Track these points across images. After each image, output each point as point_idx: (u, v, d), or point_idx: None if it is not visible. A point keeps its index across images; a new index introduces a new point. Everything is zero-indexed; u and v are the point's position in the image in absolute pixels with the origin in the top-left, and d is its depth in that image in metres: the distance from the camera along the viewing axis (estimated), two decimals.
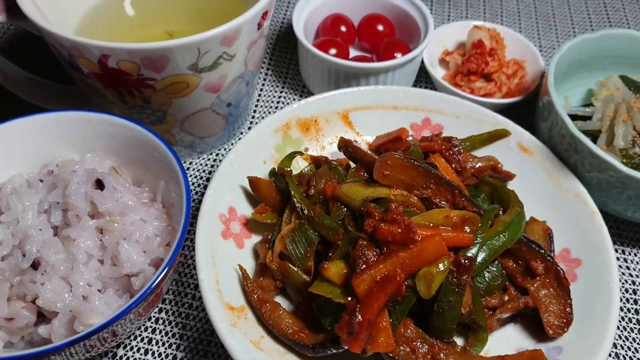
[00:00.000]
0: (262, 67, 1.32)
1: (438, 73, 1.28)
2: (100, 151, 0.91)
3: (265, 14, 0.93)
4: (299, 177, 0.96)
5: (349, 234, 0.83)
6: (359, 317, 0.75)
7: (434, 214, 0.83)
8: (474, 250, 0.81)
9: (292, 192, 0.90)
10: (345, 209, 0.87)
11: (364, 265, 0.78)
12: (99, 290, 0.76)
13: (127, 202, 0.82)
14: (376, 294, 0.76)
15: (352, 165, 0.99)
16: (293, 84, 1.29)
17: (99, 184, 0.81)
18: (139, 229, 0.81)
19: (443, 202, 0.85)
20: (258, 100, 1.25)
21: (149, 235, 0.81)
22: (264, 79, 1.30)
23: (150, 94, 0.91)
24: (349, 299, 0.78)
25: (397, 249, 0.78)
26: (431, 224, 0.81)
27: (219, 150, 1.15)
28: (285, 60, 1.34)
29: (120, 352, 0.88)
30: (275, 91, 1.28)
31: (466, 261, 0.77)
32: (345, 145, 0.98)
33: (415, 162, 0.85)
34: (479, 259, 0.82)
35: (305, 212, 0.88)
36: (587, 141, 0.94)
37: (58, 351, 0.66)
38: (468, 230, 0.82)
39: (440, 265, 0.77)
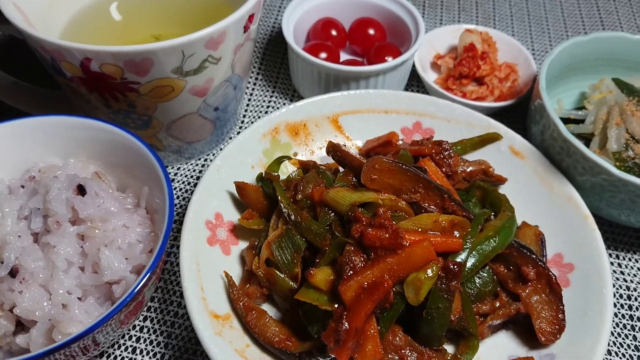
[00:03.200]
0: (252, 72, 1.31)
1: (430, 77, 1.26)
2: (84, 156, 0.89)
3: (251, 17, 0.92)
4: (286, 182, 0.94)
5: (336, 239, 0.82)
6: (346, 325, 0.74)
7: (422, 218, 0.81)
8: (463, 256, 0.79)
9: (279, 197, 0.89)
10: (333, 214, 0.86)
11: (351, 272, 0.76)
12: (79, 299, 0.75)
13: (110, 208, 0.80)
14: (363, 300, 0.74)
15: (342, 170, 0.97)
16: (283, 88, 1.28)
17: (81, 190, 0.79)
18: (121, 235, 0.79)
19: (432, 207, 0.84)
20: (248, 105, 1.24)
21: (131, 241, 0.79)
22: (254, 84, 1.28)
23: (134, 98, 0.89)
24: (336, 306, 0.76)
25: (384, 254, 0.77)
26: (420, 229, 0.80)
27: (207, 155, 1.13)
28: (275, 64, 1.33)
29: None
30: (266, 96, 1.26)
31: (455, 267, 0.76)
32: (333, 149, 0.96)
33: (404, 166, 0.84)
34: (469, 264, 0.80)
35: (292, 217, 0.86)
36: (579, 144, 0.93)
37: None
38: (457, 235, 0.80)
39: (429, 271, 0.76)
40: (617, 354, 0.90)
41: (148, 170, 0.84)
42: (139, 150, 0.84)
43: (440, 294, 0.76)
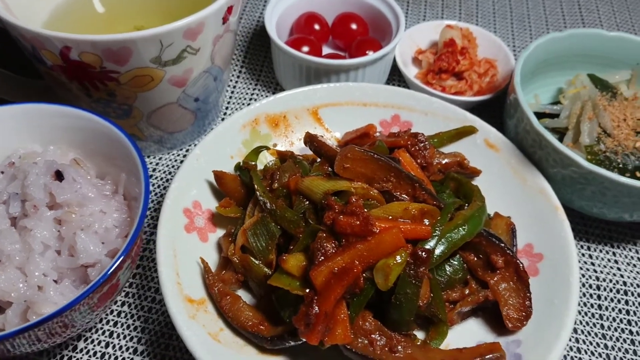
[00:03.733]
0: (236, 65, 1.33)
1: (411, 72, 1.28)
2: (64, 144, 0.91)
3: (230, 9, 0.93)
4: (263, 171, 0.96)
5: (309, 226, 0.83)
6: (316, 309, 0.75)
7: (393, 206, 0.83)
8: (432, 243, 0.81)
9: (256, 186, 0.90)
10: (308, 202, 0.87)
11: (323, 257, 0.78)
12: (54, 281, 0.76)
13: (87, 194, 0.82)
14: (333, 285, 0.76)
15: (318, 160, 0.99)
16: (266, 81, 1.30)
17: (59, 175, 0.81)
18: (98, 220, 0.81)
19: (403, 196, 0.86)
20: (231, 97, 1.25)
21: (108, 226, 0.81)
22: (237, 76, 1.30)
23: (114, 87, 0.91)
24: (307, 291, 0.78)
25: (355, 241, 0.79)
26: (390, 217, 0.82)
27: (189, 146, 1.15)
28: (259, 58, 1.35)
29: (81, 344, 0.87)
30: (248, 88, 1.28)
31: (423, 253, 0.78)
32: (310, 140, 0.98)
33: (375, 155, 0.86)
34: (437, 251, 0.82)
35: (268, 205, 0.88)
36: (550, 137, 0.95)
37: (6, 339, 0.66)
38: (427, 223, 0.82)
39: (398, 257, 0.77)
40: (584, 342, 0.92)
41: (126, 157, 0.85)
42: (117, 138, 0.86)
43: (409, 280, 0.78)
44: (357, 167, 0.86)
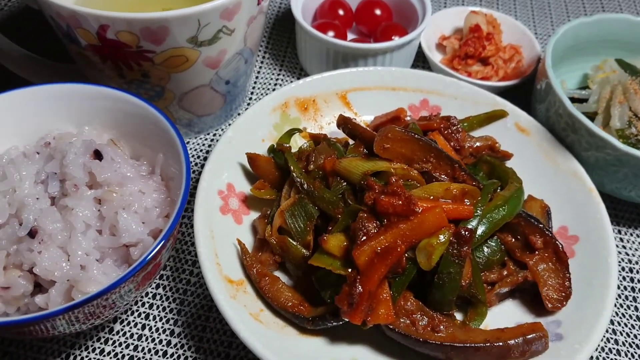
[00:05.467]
0: (260, 49, 1.32)
1: (435, 57, 1.28)
2: (98, 124, 0.90)
3: None
4: (298, 154, 0.96)
5: (349, 207, 0.83)
6: (359, 288, 0.75)
7: (434, 186, 0.83)
8: (474, 223, 0.81)
9: (292, 167, 0.90)
10: (345, 183, 0.87)
11: (364, 237, 0.78)
12: (97, 260, 0.75)
13: (126, 173, 0.81)
14: (376, 265, 0.76)
15: (351, 143, 0.99)
16: (290, 66, 1.29)
17: (97, 155, 0.80)
18: (138, 200, 0.80)
19: (443, 176, 0.86)
20: (255, 82, 1.25)
21: (147, 206, 0.80)
22: (262, 61, 1.29)
23: (149, 67, 0.90)
24: (349, 270, 0.77)
25: (397, 220, 0.78)
26: (431, 197, 0.81)
27: (217, 130, 1.14)
28: (282, 43, 1.34)
29: (117, 326, 0.87)
30: (273, 73, 1.27)
31: (466, 232, 0.78)
32: (344, 122, 0.97)
33: (416, 136, 0.85)
34: (479, 231, 0.82)
35: (305, 186, 0.87)
36: (584, 119, 0.95)
37: (52, 317, 0.65)
38: (468, 203, 0.82)
39: (441, 237, 0.77)
40: (619, 324, 0.92)
41: (163, 138, 0.84)
42: (153, 118, 0.85)
43: (452, 259, 0.78)
44: (397, 148, 0.86)
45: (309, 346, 0.81)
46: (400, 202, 0.78)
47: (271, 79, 1.26)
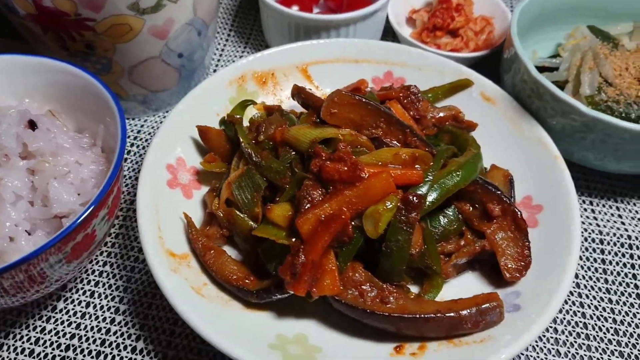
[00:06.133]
0: (224, 28, 1.29)
1: (405, 32, 1.24)
2: (40, 97, 0.87)
3: None
4: (249, 125, 0.92)
5: (295, 175, 0.80)
6: (302, 258, 0.72)
7: (382, 152, 0.79)
8: (424, 189, 0.77)
9: (240, 138, 0.87)
10: (294, 152, 0.84)
11: (309, 205, 0.74)
12: (27, 232, 0.72)
13: (62, 144, 0.78)
14: (320, 233, 0.72)
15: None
16: (256, 44, 1.26)
17: (32, 125, 0.77)
18: (74, 171, 0.77)
19: (394, 142, 0.82)
20: (219, 60, 1.22)
21: (84, 177, 0.77)
22: (226, 40, 1.26)
23: (91, 37, 0.87)
24: (293, 240, 0.74)
25: (343, 187, 0.75)
26: (380, 163, 0.78)
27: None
28: (248, 21, 1.31)
29: (61, 304, 0.84)
30: (237, 51, 1.24)
31: (415, 198, 0.74)
32: (298, 91, 0.94)
33: (364, 100, 0.82)
34: (430, 198, 0.78)
35: (253, 156, 0.84)
36: (549, 84, 0.91)
37: None
38: (419, 169, 0.78)
39: (388, 203, 0.74)
40: (587, 297, 0.88)
41: (103, 109, 0.81)
42: (93, 89, 0.82)
43: (400, 226, 0.74)
44: (344, 113, 0.82)
45: (254, 320, 0.77)
46: (346, 167, 0.75)
47: (235, 56, 1.23)
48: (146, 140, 1.06)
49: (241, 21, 1.31)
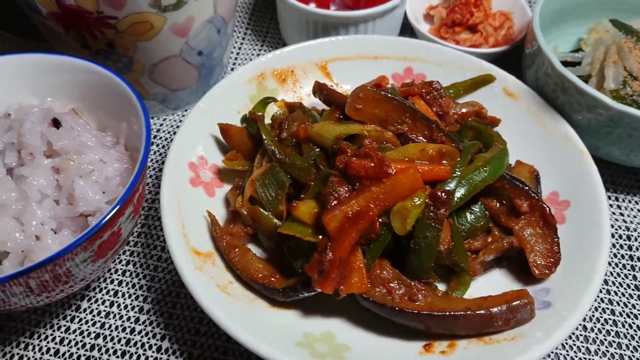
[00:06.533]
0: (241, 27, 1.28)
1: (423, 28, 1.23)
2: (63, 96, 0.87)
3: None
4: (271, 122, 0.92)
5: (320, 172, 0.79)
6: (330, 255, 0.71)
7: (409, 148, 0.78)
8: (452, 185, 0.76)
9: (263, 135, 0.86)
10: (318, 149, 0.83)
11: (335, 202, 0.74)
12: (53, 230, 0.72)
13: (86, 142, 0.78)
14: (348, 230, 0.72)
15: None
16: (273, 42, 1.25)
17: (56, 123, 0.77)
18: (98, 169, 0.76)
19: (420, 138, 0.81)
20: (236, 59, 1.21)
21: (108, 175, 0.77)
22: (243, 38, 1.26)
23: (113, 36, 0.87)
24: (320, 237, 0.73)
25: (370, 184, 0.74)
26: (406, 159, 0.77)
27: (194, 106, 1.11)
28: (265, 19, 1.30)
29: (84, 304, 0.83)
30: (254, 49, 1.24)
31: (443, 194, 0.73)
32: (319, 88, 0.93)
33: (389, 95, 0.81)
34: (458, 194, 0.77)
35: (277, 154, 0.83)
36: (574, 78, 0.90)
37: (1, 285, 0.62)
38: (446, 164, 0.77)
39: (416, 199, 0.73)
40: (616, 294, 0.87)
41: (127, 107, 0.81)
42: (116, 86, 0.82)
43: (428, 222, 0.73)
44: (369, 109, 0.81)
45: (280, 319, 0.76)
46: (373, 164, 0.74)
47: (253, 54, 1.22)
48: (165, 139, 1.06)
49: (258, 19, 1.30)
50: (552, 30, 1.12)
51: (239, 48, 1.23)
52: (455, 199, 0.76)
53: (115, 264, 0.88)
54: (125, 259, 0.88)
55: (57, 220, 0.73)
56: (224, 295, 0.75)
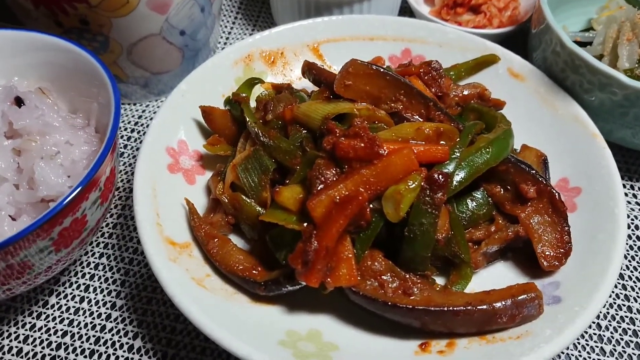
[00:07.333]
0: (232, 11, 1.22)
1: (423, 10, 1.16)
2: (32, 76, 0.81)
3: None
4: (256, 103, 0.85)
5: (306, 154, 0.72)
6: (315, 244, 0.64)
7: (403, 127, 0.71)
8: (450, 167, 0.69)
9: (247, 117, 0.79)
10: (305, 131, 0.76)
11: (322, 186, 0.67)
12: (11, 217, 0.66)
13: (51, 122, 0.72)
14: (335, 217, 0.65)
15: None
16: (264, 26, 1.19)
17: (18, 102, 0.71)
18: (64, 151, 0.70)
19: (416, 117, 0.74)
20: (226, 43, 1.15)
21: (75, 158, 0.71)
22: (234, 22, 1.20)
23: (85, 11, 0.81)
24: (305, 225, 0.66)
25: (359, 166, 0.67)
26: (400, 139, 0.70)
27: None
28: (257, 2, 1.24)
29: (53, 299, 0.77)
30: (245, 33, 1.17)
31: (440, 177, 0.66)
32: (309, 67, 0.86)
33: (382, 69, 0.74)
34: (457, 177, 0.70)
35: (260, 136, 0.77)
36: (585, 54, 0.83)
37: None
38: (444, 145, 0.70)
39: (410, 182, 0.66)
40: (633, 289, 0.79)
41: (97, 85, 0.75)
42: (87, 64, 0.76)
43: (424, 208, 0.66)
44: (360, 85, 0.74)
45: (261, 315, 0.70)
46: (362, 144, 0.67)
47: (243, 38, 1.15)
48: (148, 125, 0.99)
49: (249, 2, 1.24)
50: (560, 11, 1.05)
51: (229, 32, 1.17)
52: (454, 182, 0.69)
53: (88, 257, 0.81)
54: (98, 252, 0.82)
55: (15, 206, 0.67)
56: (199, 288, 0.69)
